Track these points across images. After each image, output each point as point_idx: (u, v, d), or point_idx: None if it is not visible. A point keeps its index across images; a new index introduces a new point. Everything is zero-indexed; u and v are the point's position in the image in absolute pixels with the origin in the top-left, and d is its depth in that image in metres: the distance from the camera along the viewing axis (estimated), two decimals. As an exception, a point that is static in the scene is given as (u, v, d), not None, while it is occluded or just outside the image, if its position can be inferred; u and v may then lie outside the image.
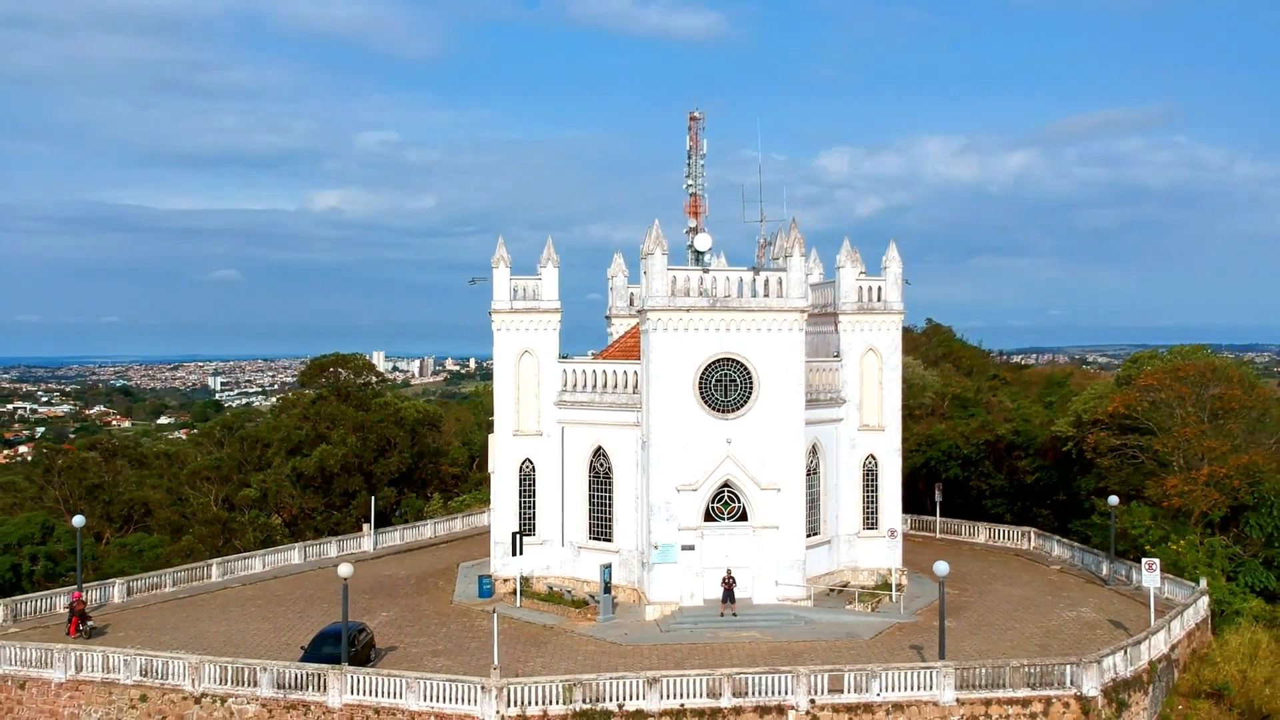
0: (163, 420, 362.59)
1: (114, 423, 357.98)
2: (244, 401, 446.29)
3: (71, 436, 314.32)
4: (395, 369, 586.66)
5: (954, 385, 75.61)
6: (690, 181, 73.83)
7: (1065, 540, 59.55)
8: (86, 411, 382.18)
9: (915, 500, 68.22)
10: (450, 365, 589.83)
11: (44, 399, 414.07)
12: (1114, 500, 52.31)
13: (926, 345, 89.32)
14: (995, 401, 70.79)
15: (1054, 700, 36.45)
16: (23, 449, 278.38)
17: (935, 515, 65.82)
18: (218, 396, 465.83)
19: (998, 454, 67.44)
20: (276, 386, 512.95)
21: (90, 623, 44.06)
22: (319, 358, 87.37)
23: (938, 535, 65.30)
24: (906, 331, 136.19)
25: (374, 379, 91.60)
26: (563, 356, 52.30)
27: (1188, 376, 53.14)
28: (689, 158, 76.07)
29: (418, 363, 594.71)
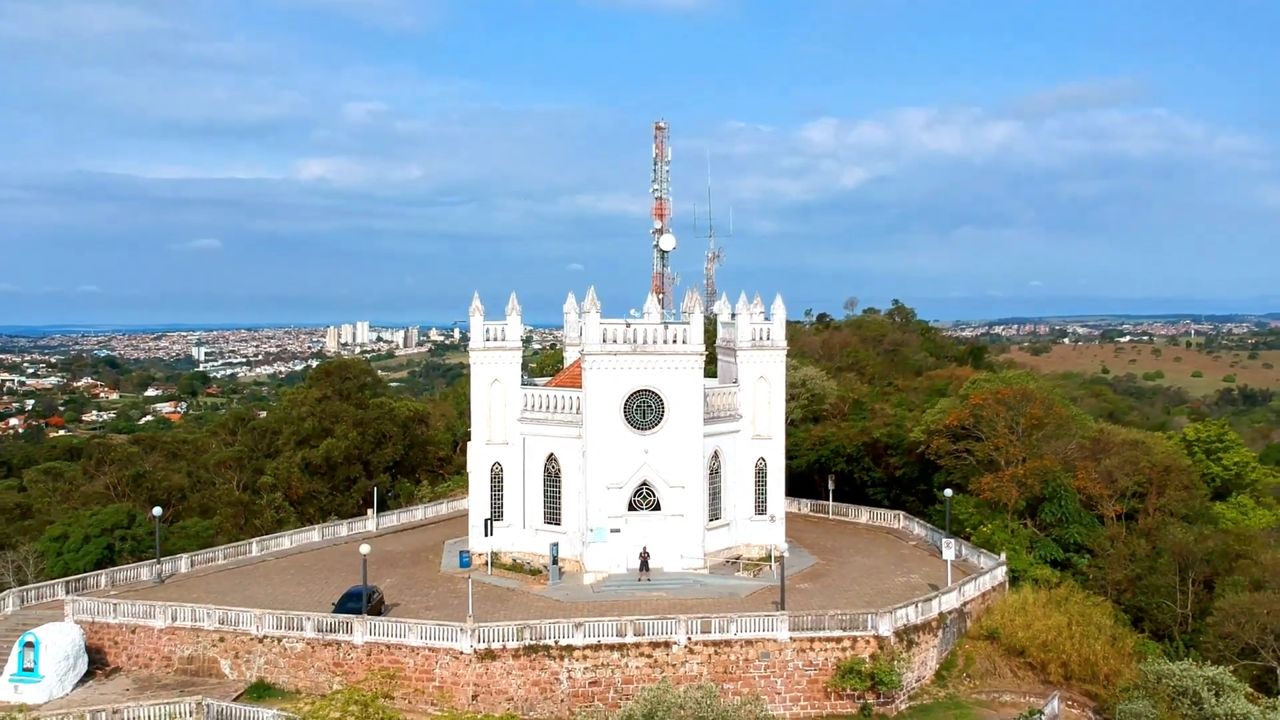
0: (150, 392, 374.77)
1: (102, 395, 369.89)
2: (228, 373, 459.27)
3: (61, 409, 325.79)
4: (380, 339, 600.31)
5: (854, 392, 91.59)
6: (656, 186, 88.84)
7: (923, 522, 75.31)
8: (74, 384, 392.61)
9: (811, 489, 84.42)
10: (435, 336, 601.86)
11: (30, 370, 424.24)
12: (949, 492, 68.07)
13: (836, 350, 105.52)
14: (878, 409, 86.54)
15: (858, 639, 52.21)
16: (13, 421, 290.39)
17: (828, 500, 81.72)
18: (202, 367, 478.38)
19: (876, 452, 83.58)
20: (260, 357, 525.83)
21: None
22: (325, 362, 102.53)
23: (830, 517, 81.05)
24: (869, 313, 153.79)
25: (370, 379, 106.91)
26: (525, 382, 67.85)
27: (1005, 399, 69.23)
28: (655, 164, 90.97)
29: (402, 333, 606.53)
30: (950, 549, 60.80)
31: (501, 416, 66.26)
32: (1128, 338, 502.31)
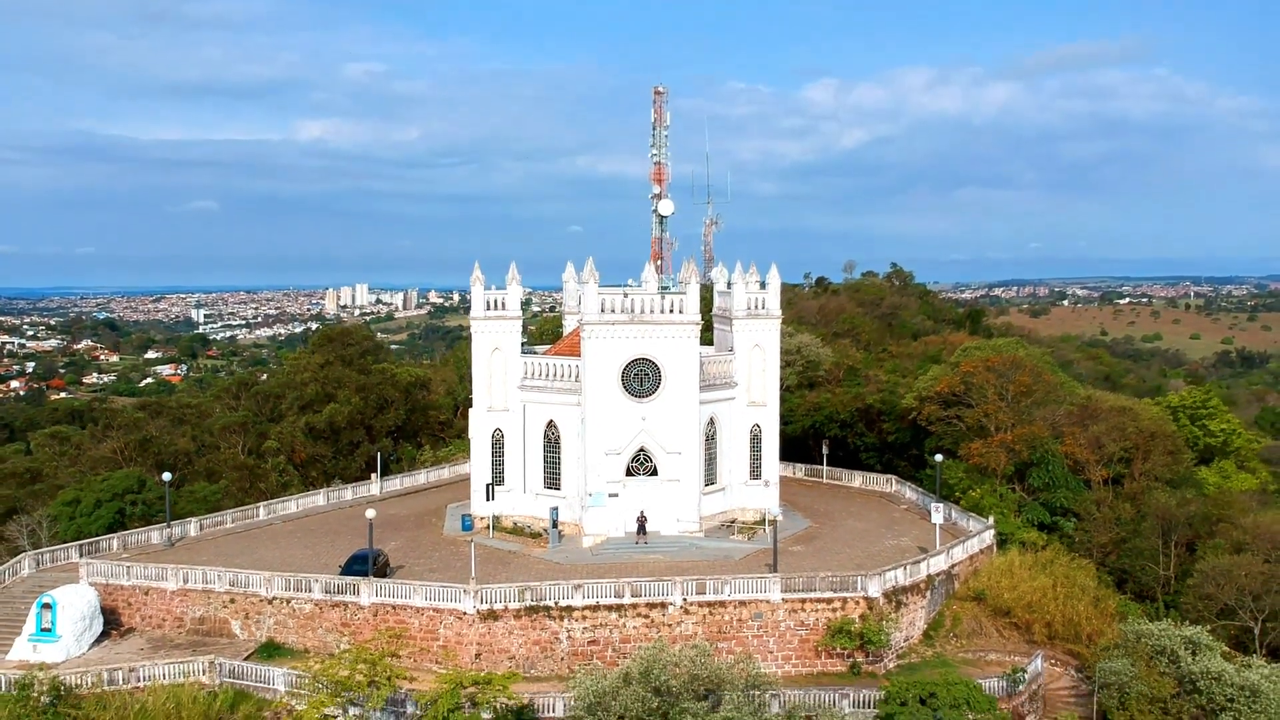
0: (150, 355, 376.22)
1: (102, 357, 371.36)
2: (228, 335, 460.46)
3: (62, 372, 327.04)
4: (379, 301, 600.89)
5: (849, 358, 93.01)
6: (655, 151, 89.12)
7: (914, 486, 76.86)
8: (74, 346, 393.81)
9: (806, 454, 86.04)
10: (434, 298, 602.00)
11: (30, 333, 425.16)
12: (939, 457, 69.70)
13: (833, 315, 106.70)
14: (872, 375, 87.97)
15: (848, 600, 53.97)
16: (14, 384, 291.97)
17: (823, 465, 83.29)
18: (201, 329, 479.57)
19: (869, 418, 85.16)
20: (259, 319, 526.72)
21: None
22: (326, 328, 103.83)
23: (824, 481, 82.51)
24: (868, 276, 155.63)
25: (371, 345, 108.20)
26: (525, 350, 69.18)
27: (995, 366, 70.59)
28: (654, 129, 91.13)
29: (402, 295, 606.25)
30: (940, 513, 62.48)
31: (502, 384, 67.62)
32: (1127, 299, 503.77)
